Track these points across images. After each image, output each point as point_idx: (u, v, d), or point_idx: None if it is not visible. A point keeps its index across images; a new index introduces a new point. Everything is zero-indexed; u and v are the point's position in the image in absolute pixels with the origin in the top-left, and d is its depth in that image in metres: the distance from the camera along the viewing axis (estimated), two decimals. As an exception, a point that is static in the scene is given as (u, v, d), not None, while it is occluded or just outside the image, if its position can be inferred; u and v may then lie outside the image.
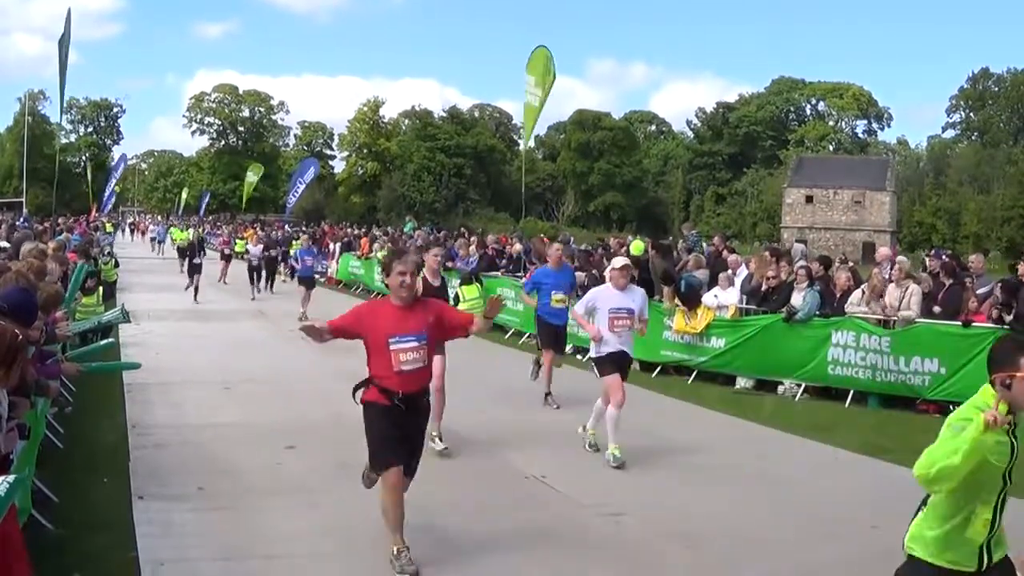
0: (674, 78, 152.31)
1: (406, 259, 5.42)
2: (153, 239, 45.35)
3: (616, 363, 7.82)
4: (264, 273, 22.92)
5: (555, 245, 11.08)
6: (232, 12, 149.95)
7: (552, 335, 10.25)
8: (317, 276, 29.42)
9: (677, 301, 12.35)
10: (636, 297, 7.96)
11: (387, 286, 5.39)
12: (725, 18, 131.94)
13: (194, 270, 21.30)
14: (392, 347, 5.17)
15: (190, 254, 21.60)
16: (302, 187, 42.77)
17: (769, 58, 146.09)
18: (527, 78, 20.98)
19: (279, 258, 25.68)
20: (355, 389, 5.36)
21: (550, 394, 10.11)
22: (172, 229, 45.37)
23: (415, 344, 5.21)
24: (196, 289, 20.75)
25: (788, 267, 12.41)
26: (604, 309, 7.81)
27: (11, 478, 3.50)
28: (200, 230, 40.62)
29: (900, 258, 12.34)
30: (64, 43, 31.02)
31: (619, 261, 8.42)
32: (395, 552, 5.16)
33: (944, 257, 13.32)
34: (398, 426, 5.21)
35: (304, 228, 39.66)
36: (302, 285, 18.18)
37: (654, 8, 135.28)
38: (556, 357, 10.25)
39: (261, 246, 23.68)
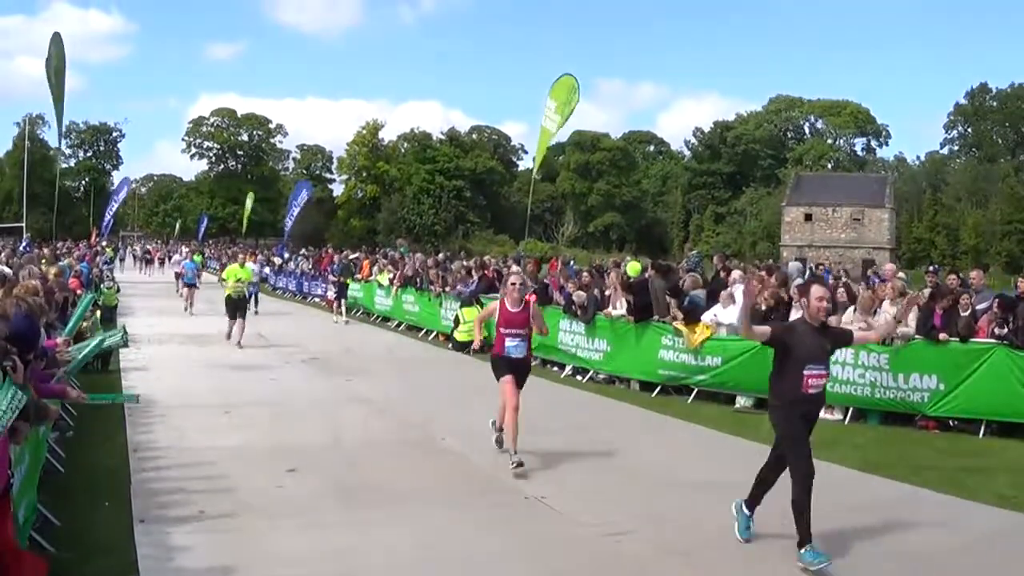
0: (679, 98, 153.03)
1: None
2: (178, 276, 29.11)
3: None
4: None
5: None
6: (241, 33, 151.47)
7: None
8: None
9: (679, 314, 12.40)
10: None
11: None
12: (725, 37, 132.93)
13: None
14: None
15: None
16: (296, 210, 42.96)
17: (767, 76, 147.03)
18: (549, 103, 21.26)
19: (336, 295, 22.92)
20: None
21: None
22: (228, 267, 20.58)
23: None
24: None
25: (783, 287, 12.41)
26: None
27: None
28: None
29: (893, 269, 12.35)
30: (55, 68, 27.97)
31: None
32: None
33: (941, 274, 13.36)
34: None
35: (306, 252, 39.52)
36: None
37: (659, 29, 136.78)
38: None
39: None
